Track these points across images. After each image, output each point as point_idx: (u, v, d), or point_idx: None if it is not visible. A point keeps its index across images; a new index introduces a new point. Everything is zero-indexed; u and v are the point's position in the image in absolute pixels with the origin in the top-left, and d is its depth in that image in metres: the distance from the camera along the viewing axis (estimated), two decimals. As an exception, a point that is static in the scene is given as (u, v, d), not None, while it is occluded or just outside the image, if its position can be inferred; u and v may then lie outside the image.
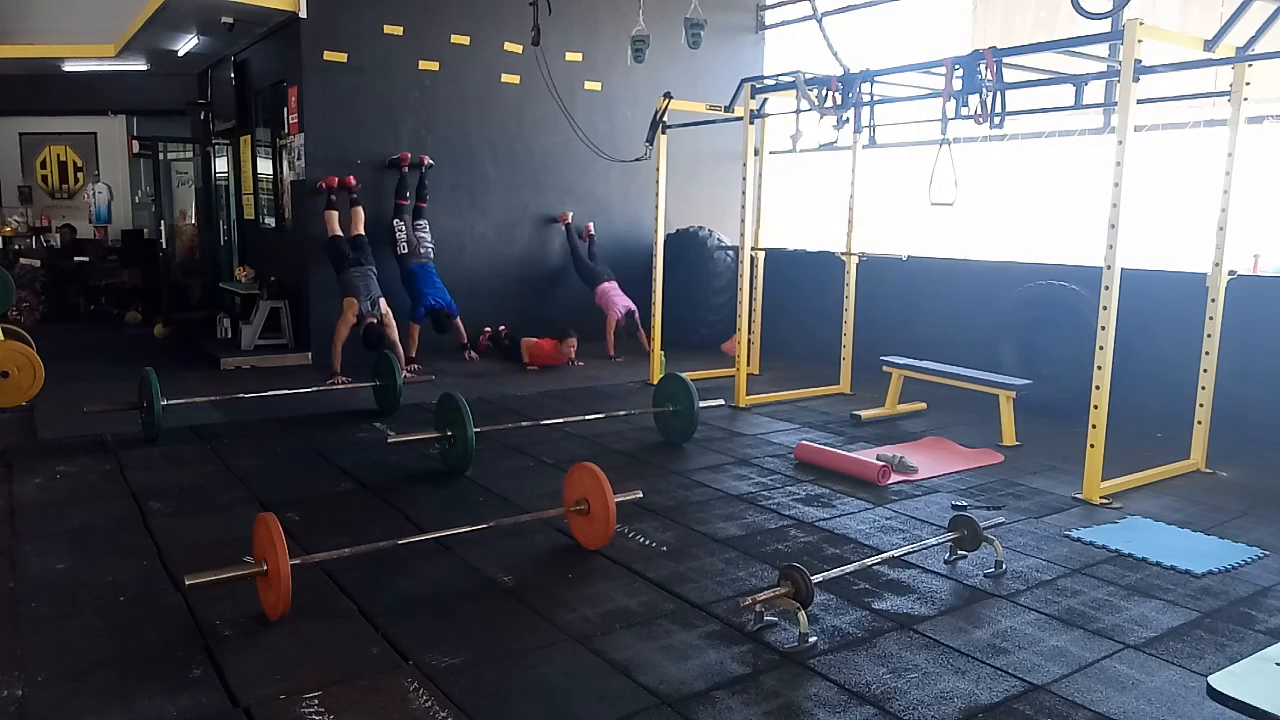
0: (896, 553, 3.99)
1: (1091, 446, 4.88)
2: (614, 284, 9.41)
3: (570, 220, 9.92)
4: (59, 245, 12.38)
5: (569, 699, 2.91)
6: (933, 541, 4.00)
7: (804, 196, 10.26)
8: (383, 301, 8.11)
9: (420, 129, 9.12)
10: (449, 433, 5.31)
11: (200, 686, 2.91)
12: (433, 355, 8.69)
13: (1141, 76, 4.71)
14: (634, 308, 9.21)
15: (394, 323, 8.16)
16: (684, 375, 6.12)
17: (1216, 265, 5.33)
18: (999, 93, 5.51)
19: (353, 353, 7.93)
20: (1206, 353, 5.37)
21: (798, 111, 6.79)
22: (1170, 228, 6.94)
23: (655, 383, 7.14)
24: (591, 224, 10.01)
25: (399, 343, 8.15)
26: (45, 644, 3.20)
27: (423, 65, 9.02)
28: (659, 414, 6.10)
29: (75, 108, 12.81)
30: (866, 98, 6.94)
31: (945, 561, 4.01)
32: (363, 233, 8.53)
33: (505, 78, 9.40)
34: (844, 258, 7.77)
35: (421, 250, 8.72)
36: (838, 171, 8.11)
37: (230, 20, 8.77)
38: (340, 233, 8.43)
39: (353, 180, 8.66)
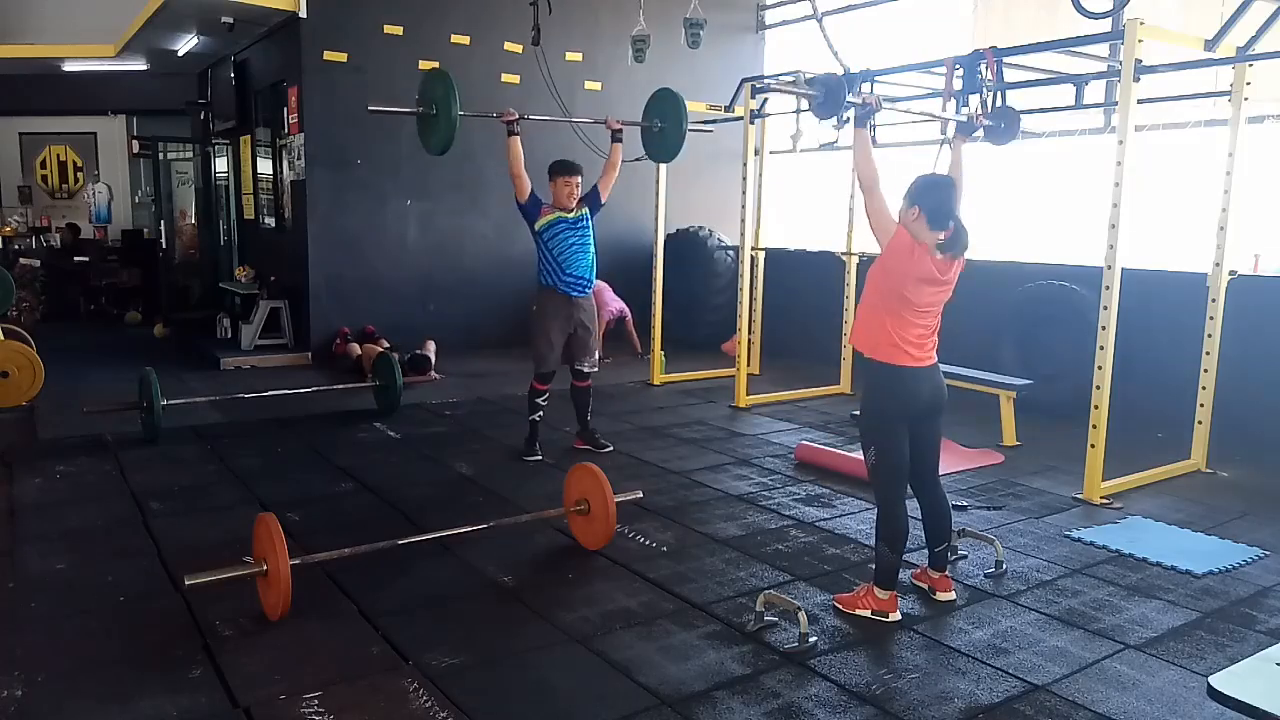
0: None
1: (1092, 446, 4.88)
2: (605, 285, 9.38)
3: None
4: (59, 245, 12.38)
5: (569, 699, 2.91)
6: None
7: (804, 196, 10.24)
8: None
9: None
10: (434, 110, 5.14)
11: (200, 686, 2.91)
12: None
13: (1142, 76, 4.71)
14: (625, 310, 9.19)
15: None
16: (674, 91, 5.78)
17: (1217, 265, 5.33)
18: (999, 92, 5.51)
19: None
20: (1207, 353, 5.36)
21: (798, 111, 6.80)
22: (1171, 228, 6.94)
23: (655, 383, 7.15)
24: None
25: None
26: (45, 644, 3.20)
27: (423, 65, 8.98)
28: (645, 129, 5.82)
29: (75, 108, 12.80)
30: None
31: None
32: None
33: (505, 78, 9.39)
34: (844, 258, 7.78)
35: None
36: (838, 171, 8.11)
37: (230, 20, 8.77)
38: None
39: None
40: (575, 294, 5.54)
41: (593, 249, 5.65)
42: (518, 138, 5.41)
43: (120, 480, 5.09)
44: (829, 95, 3.62)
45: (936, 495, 3.67)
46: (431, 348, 8.52)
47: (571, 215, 5.53)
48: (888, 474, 3.52)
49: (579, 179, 5.54)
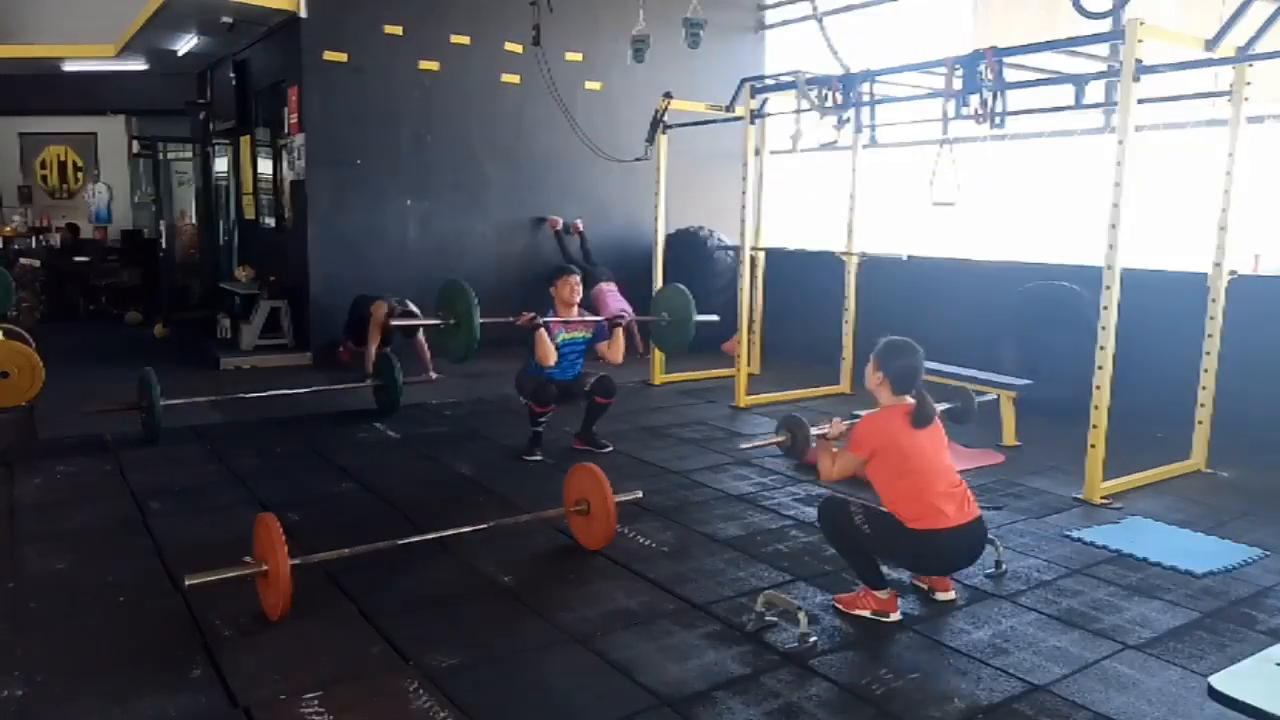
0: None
1: (1092, 447, 4.88)
2: (612, 286, 9.30)
3: (559, 226, 9.85)
4: (59, 245, 12.38)
5: (569, 699, 2.91)
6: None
7: (804, 196, 10.24)
8: (410, 303, 8.07)
9: (420, 129, 9.12)
10: (452, 320, 5.30)
11: (200, 686, 2.91)
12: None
13: (1142, 76, 4.71)
14: (627, 310, 9.14)
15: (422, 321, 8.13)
16: (681, 288, 6.15)
17: (1217, 265, 5.33)
18: (999, 92, 5.51)
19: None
20: (1207, 353, 5.36)
21: (798, 111, 6.79)
22: (1171, 227, 6.93)
23: (655, 383, 7.10)
24: (579, 220, 9.93)
25: (425, 343, 8.10)
26: (45, 644, 3.20)
27: (423, 65, 9.02)
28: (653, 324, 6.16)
29: (75, 108, 12.80)
30: (867, 98, 6.94)
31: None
32: None
33: (505, 78, 9.39)
34: (844, 258, 7.77)
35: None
36: (838, 171, 8.11)
37: (230, 20, 8.77)
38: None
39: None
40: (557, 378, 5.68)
41: (579, 365, 5.80)
42: (542, 329, 5.47)
43: (120, 480, 5.09)
44: (795, 444, 3.95)
45: None
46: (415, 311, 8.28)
47: (574, 336, 5.69)
48: (857, 538, 3.47)
49: (578, 277, 5.75)
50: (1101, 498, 4.90)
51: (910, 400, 3.52)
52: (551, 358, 5.48)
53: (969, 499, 3.47)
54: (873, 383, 3.59)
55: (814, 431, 3.76)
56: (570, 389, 5.74)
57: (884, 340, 3.63)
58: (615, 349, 5.79)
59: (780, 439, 3.93)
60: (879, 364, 3.57)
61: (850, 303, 7.69)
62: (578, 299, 5.70)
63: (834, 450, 3.66)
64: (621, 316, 8.81)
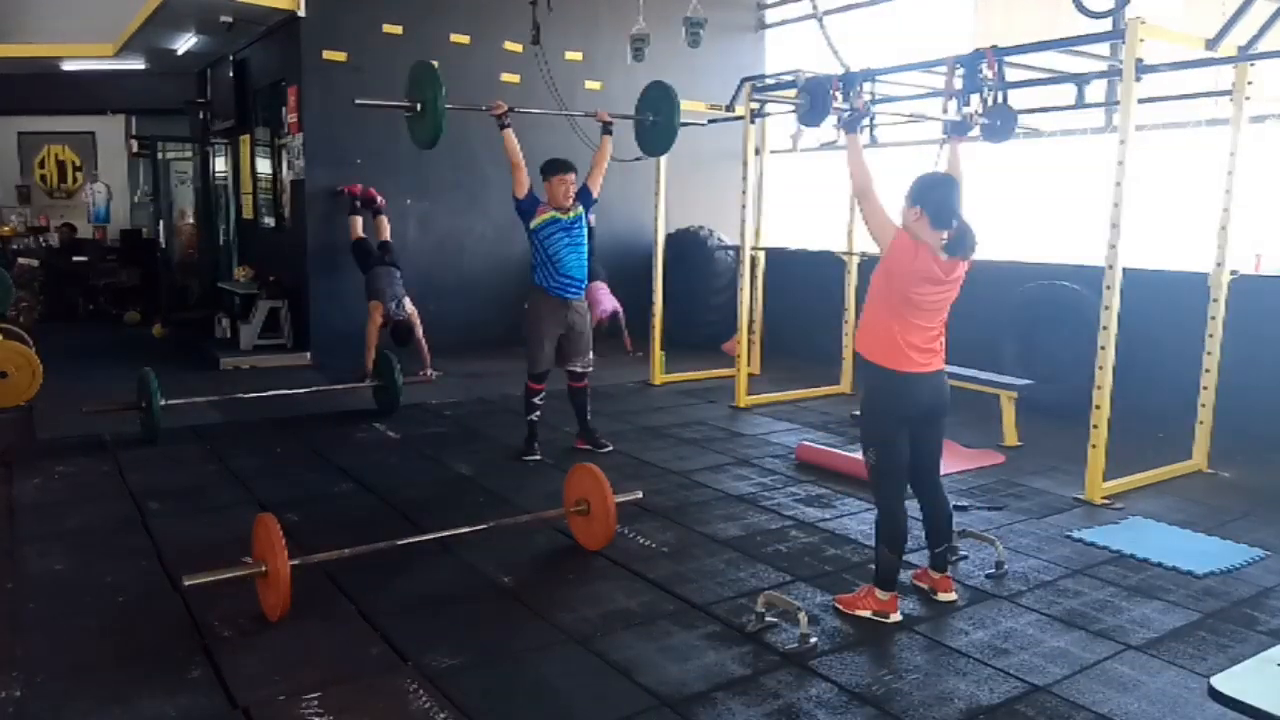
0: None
1: (1093, 447, 4.88)
2: (603, 284, 9.29)
3: None
4: (58, 245, 12.37)
5: (569, 699, 2.90)
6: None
7: (804, 196, 10.23)
8: (407, 301, 8.07)
9: (420, 128, 9.10)
10: (419, 105, 5.14)
11: (199, 686, 2.91)
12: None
13: (1143, 75, 4.70)
14: (619, 309, 9.16)
15: (419, 321, 8.12)
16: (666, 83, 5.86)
17: (1218, 265, 5.32)
18: (1000, 92, 5.50)
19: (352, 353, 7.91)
20: (1208, 353, 5.36)
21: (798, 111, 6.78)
22: (1172, 227, 6.93)
23: (655, 383, 7.08)
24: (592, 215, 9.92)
25: (424, 340, 8.08)
26: (45, 644, 3.20)
27: (422, 64, 9.00)
28: (638, 123, 5.91)
29: (74, 107, 12.78)
30: (867, 97, 6.92)
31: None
32: (388, 239, 8.58)
33: (505, 77, 9.38)
34: (844, 258, 7.77)
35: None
36: (838, 171, 8.10)
37: (229, 19, 8.76)
38: (364, 236, 8.53)
39: (374, 192, 8.72)
40: (568, 295, 5.53)
41: (586, 250, 5.62)
42: (510, 130, 5.39)
43: (119, 480, 5.09)
44: (815, 101, 3.66)
45: (937, 496, 3.66)
46: (415, 316, 8.20)
47: (567, 217, 5.50)
48: (887, 475, 3.51)
49: (574, 175, 5.53)
50: (1102, 498, 4.89)
51: (945, 238, 3.41)
52: (518, 153, 5.41)
53: (939, 356, 3.53)
54: (909, 219, 3.47)
55: (837, 105, 3.58)
56: (571, 326, 5.56)
57: (917, 176, 3.55)
58: (603, 149, 5.70)
59: (796, 99, 3.74)
60: (914, 198, 3.46)
61: (850, 303, 7.68)
62: (569, 203, 5.51)
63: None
64: (618, 313, 8.77)
